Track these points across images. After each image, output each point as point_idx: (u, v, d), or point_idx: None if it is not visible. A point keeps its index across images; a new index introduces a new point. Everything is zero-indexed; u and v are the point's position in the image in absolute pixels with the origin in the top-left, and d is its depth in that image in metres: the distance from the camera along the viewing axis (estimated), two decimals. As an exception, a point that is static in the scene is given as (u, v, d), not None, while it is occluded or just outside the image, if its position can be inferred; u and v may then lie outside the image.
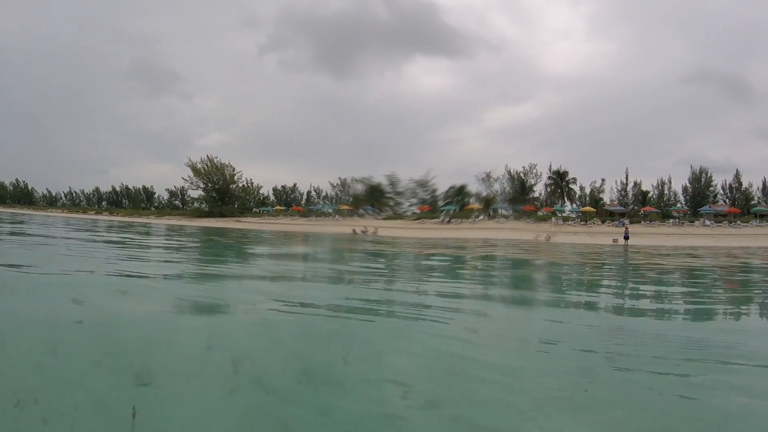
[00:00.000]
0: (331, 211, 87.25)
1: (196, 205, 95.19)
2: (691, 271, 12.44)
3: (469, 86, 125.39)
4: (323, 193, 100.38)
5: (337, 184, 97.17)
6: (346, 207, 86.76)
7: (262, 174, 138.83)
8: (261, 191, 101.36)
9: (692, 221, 68.49)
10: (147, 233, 25.59)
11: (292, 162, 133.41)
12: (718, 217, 69.92)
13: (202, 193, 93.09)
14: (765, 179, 77.98)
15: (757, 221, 67.02)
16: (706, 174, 78.52)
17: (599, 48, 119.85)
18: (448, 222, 65.37)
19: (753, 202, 75.39)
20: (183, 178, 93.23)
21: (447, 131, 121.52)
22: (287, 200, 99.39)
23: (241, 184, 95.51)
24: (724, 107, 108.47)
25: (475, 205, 78.13)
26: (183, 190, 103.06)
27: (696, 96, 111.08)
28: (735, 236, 55.19)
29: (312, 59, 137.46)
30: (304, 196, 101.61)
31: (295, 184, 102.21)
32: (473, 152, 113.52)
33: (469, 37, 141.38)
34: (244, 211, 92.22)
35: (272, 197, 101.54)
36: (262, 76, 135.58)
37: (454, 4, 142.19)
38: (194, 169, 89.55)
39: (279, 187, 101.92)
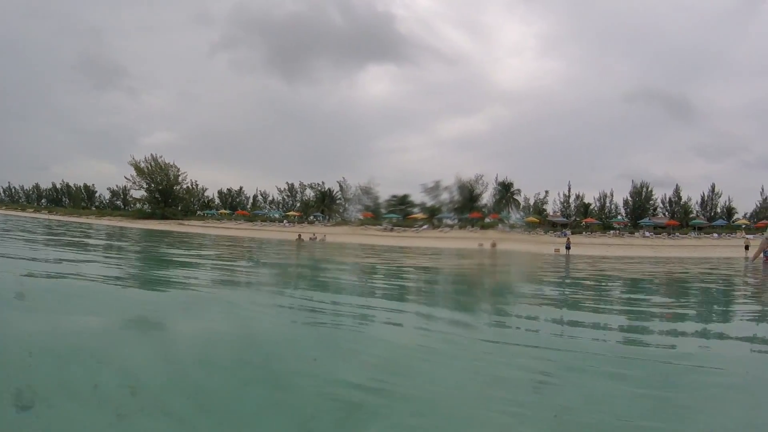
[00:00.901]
0: (277, 216, 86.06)
1: (138, 206, 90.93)
2: (630, 279, 12.62)
3: (420, 96, 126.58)
4: (270, 198, 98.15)
5: (285, 189, 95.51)
6: (294, 213, 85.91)
7: (207, 176, 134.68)
8: (206, 194, 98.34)
9: (632, 233, 70.54)
10: (84, 233, 24.54)
11: (239, 165, 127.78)
12: (658, 229, 72.28)
13: (145, 193, 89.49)
14: (703, 194, 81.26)
15: (696, 233, 69.65)
16: (647, 188, 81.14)
17: (548, 65, 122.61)
18: (391, 230, 65.47)
19: (692, 215, 78.19)
20: (126, 178, 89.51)
21: (396, 140, 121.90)
22: (233, 204, 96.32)
23: (185, 186, 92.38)
24: (665, 125, 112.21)
25: (419, 214, 78.92)
26: (125, 190, 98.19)
27: (639, 113, 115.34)
28: (674, 247, 57.07)
29: (263, 61, 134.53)
30: (250, 201, 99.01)
31: (241, 188, 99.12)
32: (422, 161, 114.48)
33: (423, 47, 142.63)
34: (187, 213, 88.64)
35: (217, 200, 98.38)
36: (212, 75, 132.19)
37: (410, 15, 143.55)
38: (137, 169, 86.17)
39: (224, 190, 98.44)
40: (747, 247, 40.81)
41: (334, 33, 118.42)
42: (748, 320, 5.80)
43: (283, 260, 14.84)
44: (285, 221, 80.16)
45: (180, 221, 77.09)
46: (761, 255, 15.09)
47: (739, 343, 4.40)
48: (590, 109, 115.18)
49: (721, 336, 4.78)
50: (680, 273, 14.39)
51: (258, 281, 8.36)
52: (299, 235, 45.31)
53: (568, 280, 11.69)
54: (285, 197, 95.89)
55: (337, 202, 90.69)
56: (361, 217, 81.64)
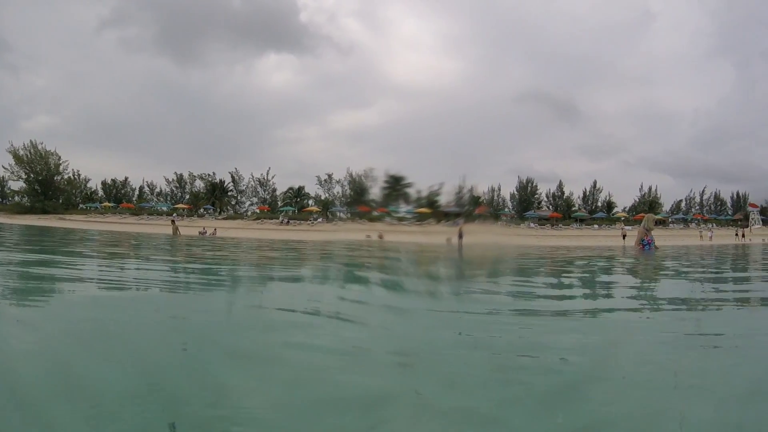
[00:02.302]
0: (165, 209, 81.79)
1: (17, 198, 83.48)
2: (521, 262, 13.36)
3: (317, 87, 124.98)
4: (157, 189, 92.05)
5: (173, 180, 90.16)
6: (182, 205, 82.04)
7: (90, 165, 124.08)
8: (89, 185, 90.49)
9: (518, 224, 73.96)
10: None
11: (125, 153, 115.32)
12: (542, 221, 76.12)
13: (24, 185, 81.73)
14: (585, 189, 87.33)
15: (577, 225, 74.49)
16: (532, 183, 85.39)
17: (444, 63, 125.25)
18: (287, 223, 64.75)
19: (574, 209, 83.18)
20: (3, 167, 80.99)
21: (292, 130, 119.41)
22: (117, 196, 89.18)
23: (66, 176, 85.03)
24: (552, 125, 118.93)
25: (313, 207, 78.76)
26: (3, 181, 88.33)
27: (528, 114, 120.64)
28: (556, 237, 60.63)
29: (154, 40, 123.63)
30: (136, 192, 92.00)
31: (126, 179, 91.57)
32: (315, 153, 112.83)
33: (322, 38, 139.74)
34: (69, 207, 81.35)
35: (101, 192, 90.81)
36: (100, 54, 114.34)
37: (312, 3, 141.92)
38: (16, 157, 78.37)
39: (109, 181, 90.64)
40: (624, 237, 44.77)
41: (232, 15, 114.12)
42: (628, 297, 6.26)
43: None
44: (175, 214, 75.46)
45: (61, 216, 70.93)
46: (640, 243, 16.25)
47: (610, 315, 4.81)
48: (482, 107, 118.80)
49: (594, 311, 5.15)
50: (565, 256, 15.30)
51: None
52: (174, 225, 37.68)
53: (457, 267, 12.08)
54: (173, 189, 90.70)
55: (229, 194, 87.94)
56: (257, 210, 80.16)
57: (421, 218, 72.65)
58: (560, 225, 75.98)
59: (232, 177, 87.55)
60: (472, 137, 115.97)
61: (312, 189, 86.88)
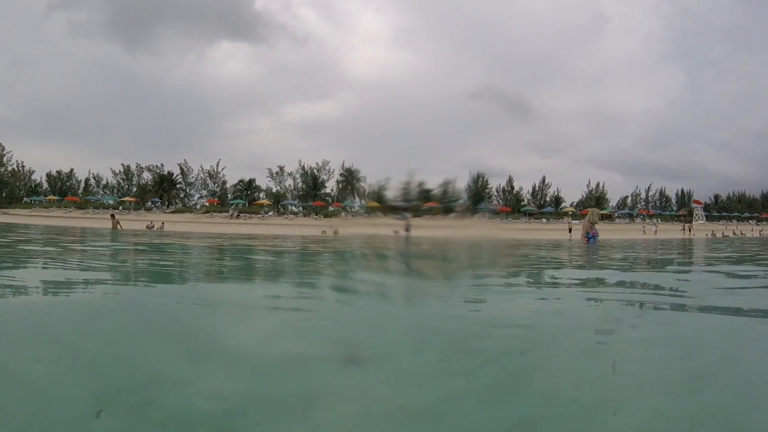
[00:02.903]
0: (111, 202, 78.71)
1: None
2: (462, 251, 13.58)
3: (269, 77, 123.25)
4: (104, 182, 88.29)
5: (120, 172, 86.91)
6: (129, 199, 79.08)
7: (35, 156, 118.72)
8: (33, 177, 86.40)
9: (471, 216, 74.93)
10: None
11: (71, 143, 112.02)
12: (491, 214, 77.26)
13: None
14: (535, 184, 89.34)
15: (526, 218, 76.06)
16: (483, 177, 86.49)
17: (401, 58, 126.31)
18: (237, 216, 63.85)
19: (523, 203, 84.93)
20: None
21: (243, 121, 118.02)
22: (62, 189, 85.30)
23: (10, 168, 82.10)
24: (504, 122, 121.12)
25: (264, 200, 77.48)
26: None
27: (481, 110, 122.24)
28: (506, 230, 61.61)
29: (104, 25, 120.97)
30: (82, 185, 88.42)
31: (72, 170, 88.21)
32: (268, 145, 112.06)
33: (277, 27, 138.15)
34: (12, 200, 78.61)
35: (45, 185, 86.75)
36: (47, 38, 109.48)
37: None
38: None
39: (54, 173, 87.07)
40: (570, 230, 46.22)
41: (184, 1, 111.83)
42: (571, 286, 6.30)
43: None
44: (120, 207, 73.50)
45: (4, 210, 68.32)
46: (585, 237, 16.56)
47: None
48: (437, 102, 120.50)
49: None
50: (515, 249, 15.52)
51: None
52: (114, 219, 36.34)
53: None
54: (120, 181, 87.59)
55: (178, 186, 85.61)
56: (206, 203, 78.61)
57: (371, 212, 72.74)
58: (509, 219, 77.36)
59: (181, 169, 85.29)
60: (426, 132, 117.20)
61: (263, 182, 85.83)
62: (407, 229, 41.38)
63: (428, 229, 53.69)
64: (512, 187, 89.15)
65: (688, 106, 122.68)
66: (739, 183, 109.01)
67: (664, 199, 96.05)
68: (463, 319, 3.85)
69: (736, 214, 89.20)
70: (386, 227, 53.96)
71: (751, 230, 64.59)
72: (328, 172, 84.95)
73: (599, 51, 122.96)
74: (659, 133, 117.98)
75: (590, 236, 16.32)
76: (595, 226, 16.62)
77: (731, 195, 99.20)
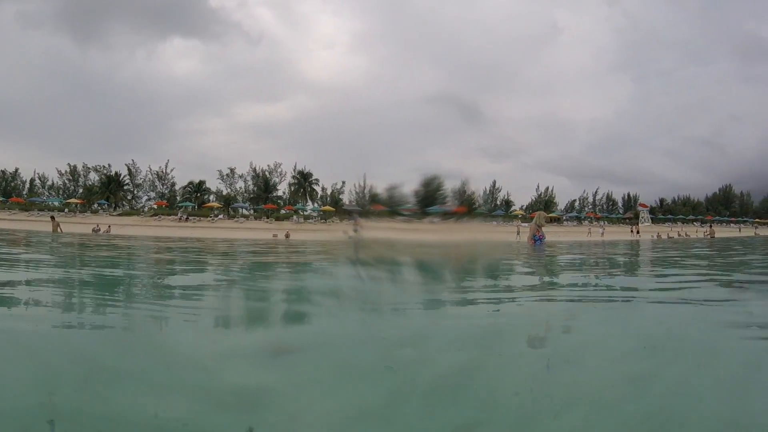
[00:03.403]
0: (57, 204, 75.97)
1: None
2: (414, 253, 13.78)
3: (222, 76, 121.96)
4: (49, 183, 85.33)
5: (66, 172, 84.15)
6: (76, 200, 76.47)
7: None
8: None
9: (420, 219, 75.59)
10: None
11: (16, 141, 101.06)
12: (447, 215, 78.19)
13: None
14: (486, 188, 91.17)
15: (478, 221, 77.71)
16: (438, 179, 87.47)
17: (356, 61, 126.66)
18: (186, 220, 62.83)
19: (475, 206, 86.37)
20: None
21: (194, 121, 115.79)
22: (6, 189, 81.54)
23: None
24: (458, 128, 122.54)
25: (214, 203, 76.13)
26: None
27: (436, 115, 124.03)
28: (458, 231, 62.35)
29: (54, 16, 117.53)
30: (27, 185, 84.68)
31: (17, 170, 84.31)
32: (219, 146, 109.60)
33: (232, 26, 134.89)
34: None
35: None
36: None
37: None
38: None
39: None
40: (518, 233, 47.61)
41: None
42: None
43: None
44: (66, 210, 70.97)
45: None
46: (531, 239, 16.98)
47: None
48: (392, 107, 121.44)
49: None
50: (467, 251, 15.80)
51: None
52: (54, 221, 33.67)
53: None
54: (66, 181, 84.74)
55: (125, 188, 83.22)
56: (155, 206, 76.87)
57: (325, 216, 72.69)
58: (464, 220, 78.52)
59: (129, 170, 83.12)
60: (380, 136, 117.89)
61: (213, 184, 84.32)
62: (356, 230, 41.58)
63: (379, 231, 54.07)
64: (465, 191, 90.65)
65: (636, 115, 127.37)
66: (684, 187, 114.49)
67: (610, 203, 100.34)
68: (403, 321, 3.98)
69: (681, 216, 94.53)
70: (339, 232, 54.12)
71: (696, 231, 67.34)
72: (280, 174, 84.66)
73: (551, 61, 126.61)
74: (607, 140, 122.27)
75: (537, 238, 16.75)
76: (542, 228, 17.03)
77: (676, 199, 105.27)
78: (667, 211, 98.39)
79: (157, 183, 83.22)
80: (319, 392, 2.16)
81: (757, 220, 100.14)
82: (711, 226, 62.07)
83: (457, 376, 2.44)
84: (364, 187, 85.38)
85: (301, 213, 73.96)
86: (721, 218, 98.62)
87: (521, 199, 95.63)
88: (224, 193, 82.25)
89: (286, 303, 4.82)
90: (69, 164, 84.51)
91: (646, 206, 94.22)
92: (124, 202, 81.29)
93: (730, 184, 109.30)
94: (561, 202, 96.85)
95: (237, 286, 6.03)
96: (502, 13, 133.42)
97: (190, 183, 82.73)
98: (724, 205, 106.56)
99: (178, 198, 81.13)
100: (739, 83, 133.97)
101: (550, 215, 75.15)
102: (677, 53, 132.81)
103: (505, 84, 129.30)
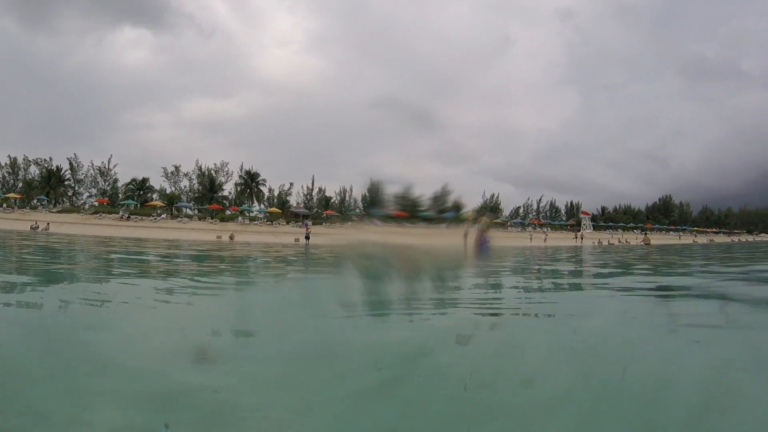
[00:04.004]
0: None
1: None
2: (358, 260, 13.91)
3: (171, 69, 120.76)
4: None
5: (6, 165, 79.93)
6: (14, 195, 72.55)
7: None
8: None
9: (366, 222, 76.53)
10: None
11: None
12: (388, 219, 79.00)
13: None
14: (435, 192, 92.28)
15: (424, 224, 78.54)
16: (382, 185, 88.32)
17: (310, 61, 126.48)
18: (128, 218, 61.43)
19: (421, 209, 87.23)
20: None
21: (139, 114, 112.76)
22: None
23: None
24: (406, 132, 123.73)
25: (157, 201, 73.85)
26: None
27: (385, 120, 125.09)
28: (402, 234, 63.08)
29: None
30: None
31: None
32: (165, 142, 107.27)
33: (182, 14, 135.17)
34: None
35: None
36: None
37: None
38: None
39: None
40: (466, 236, 48.06)
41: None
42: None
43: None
44: (4, 205, 67.13)
45: None
46: (477, 244, 17.22)
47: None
48: (342, 109, 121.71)
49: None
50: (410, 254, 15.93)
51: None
52: None
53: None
54: (5, 175, 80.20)
55: (66, 183, 79.71)
56: (96, 203, 74.24)
57: (272, 218, 72.12)
58: (407, 224, 79.12)
59: (71, 164, 79.76)
60: (330, 138, 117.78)
61: (157, 182, 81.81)
62: (307, 237, 41.61)
63: (328, 237, 54.18)
64: (410, 194, 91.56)
65: (582, 127, 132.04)
66: (626, 197, 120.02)
67: (554, 210, 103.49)
68: (332, 327, 4.19)
69: (621, 224, 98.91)
70: (286, 235, 53.85)
71: (635, 239, 69.97)
72: (227, 174, 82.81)
73: (503, 71, 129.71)
74: (553, 150, 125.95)
75: (481, 244, 17.13)
76: (486, 233, 17.41)
77: (618, 207, 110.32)
78: (608, 219, 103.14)
79: (99, 179, 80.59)
80: (237, 395, 2.35)
81: (695, 228, 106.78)
82: (646, 234, 65.21)
83: (373, 389, 2.52)
84: (312, 189, 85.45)
85: (247, 214, 73.17)
86: (661, 226, 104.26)
87: (470, 204, 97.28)
88: (168, 191, 79.89)
89: (214, 314, 4.98)
90: (9, 156, 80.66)
91: (588, 214, 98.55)
92: (64, 198, 78.49)
93: (670, 195, 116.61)
94: (506, 209, 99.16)
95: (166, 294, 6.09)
96: (458, 23, 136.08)
97: (133, 180, 79.91)
98: (664, 214, 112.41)
99: (120, 195, 78.69)
100: (683, 101, 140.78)
101: (495, 221, 76.71)
102: (625, 69, 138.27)
103: (456, 91, 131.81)
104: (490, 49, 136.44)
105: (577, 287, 8.26)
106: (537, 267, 12.94)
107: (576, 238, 70.20)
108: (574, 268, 12.79)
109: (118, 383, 2.48)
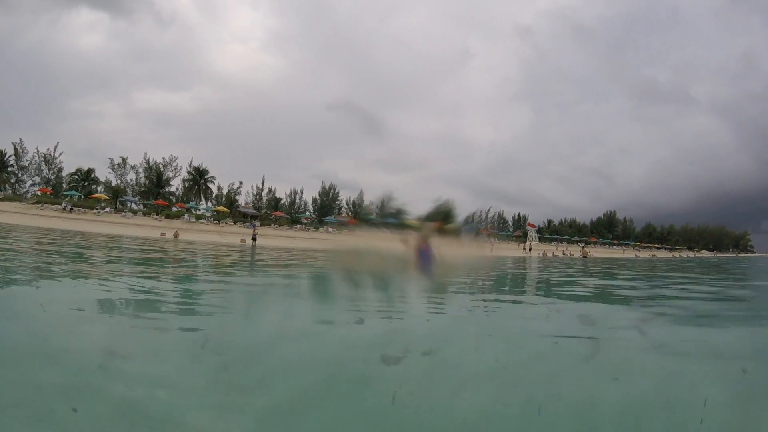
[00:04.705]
0: None
1: None
2: (302, 265, 13.83)
3: (127, 57, 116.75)
4: None
5: None
6: None
7: None
8: None
9: (317, 228, 76.23)
10: None
11: None
12: (341, 226, 79.11)
13: None
14: (382, 198, 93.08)
15: (367, 229, 79.31)
16: (334, 190, 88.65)
17: (268, 60, 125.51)
18: (71, 210, 59.94)
19: (370, 215, 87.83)
20: None
21: (90, 102, 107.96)
22: None
23: None
24: (361, 137, 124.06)
25: (102, 194, 71.49)
26: None
27: (341, 124, 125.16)
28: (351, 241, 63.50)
29: None
30: None
31: None
32: (114, 132, 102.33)
33: (141, 0, 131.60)
34: None
35: None
36: None
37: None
38: None
39: None
40: (406, 242, 49.14)
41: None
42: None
43: None
44: None
45: None
46: (417, 253, 16.37)
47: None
48: (298, 111, 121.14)
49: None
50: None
51: None
52: None
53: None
54: None
55: (8, 170, 76.37)
56: (38, 192, 71.63)
57: (219, 217, 71.34)
58: (357, 231, 79.67)
59: (15, 149, 76.45)
60: (284, 139, 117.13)
61: (103, 173, 78.97)
62: (254, 238, 41.49)
63: (277, 239, 54.02)
64: (362, 201, 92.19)
65: (532, 142, 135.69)
66: (573, 211, 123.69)
67: (502, 221, 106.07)
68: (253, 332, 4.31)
69: (566, 237, 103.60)
70: (233, 235, 53.41)
71: (579, 252, 72.42)
72: (175, 169, 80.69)
73: (460, 83, 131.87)
74: (503, 162, 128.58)
75: (423, 253, 14.90)
76: (429, 242, 15.04)
77: (563, 221, 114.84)
78: (553, 232, 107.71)
79: (43, 167, 78.13)
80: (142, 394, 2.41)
81: (638, 243, 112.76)
82: (584, 247, 68.09)
83: (294, 400, 2.53)
84: (262, 190, 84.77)
85: (194, 212, 72.21)
86: (605, 240, 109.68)
87: (418, 210, 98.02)
88: (114, 184, 77.64)
89: (134, 310, 5.11)
90: (-52, 140, 76.75)
91: (534, 226, 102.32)
92: (6, 186, 75.92)
93: (614, 210, 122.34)
94: (461, 215, 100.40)
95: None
96: (419, 33, 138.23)
97: (78, 170, 77.55)
98: (608, 229, 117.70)
99: (64, 185, 76.20)
100: (631, 121, 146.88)
101: (450, 226, 76.38)
102: (578, 89, 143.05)
103: (412, 100, 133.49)
104: (449, 60, 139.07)
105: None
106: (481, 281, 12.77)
107: (524, 249, 73.57)
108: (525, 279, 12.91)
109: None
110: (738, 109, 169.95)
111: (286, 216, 79.34)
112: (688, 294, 9.88)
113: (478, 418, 2.41)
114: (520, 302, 8.67)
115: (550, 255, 60.71)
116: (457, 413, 2.43)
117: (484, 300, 8.41)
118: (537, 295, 9.89)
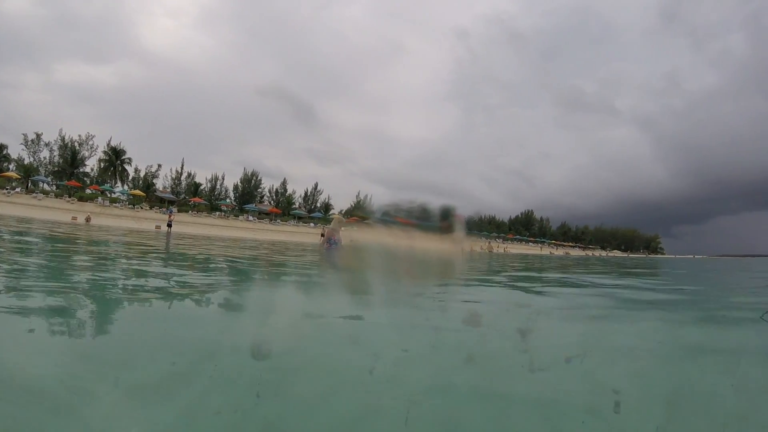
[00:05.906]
0: None
1: None
2: (224, 257, 13.82)
3: (48, 23, 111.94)
4: None
5: None
6: None
7: None
8: None
9: (237, 216, 75.67)
10: None
11: None
12: (262, 215, 78.80)
13: None
14: (307, 189, 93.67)
15: (295, 221, 78.98)
16: (257, 177, 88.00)
17: (198, 38, 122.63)
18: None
19: (294, 206, 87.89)
20: None
21: (5, 71, 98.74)
22: None
23: None
24: (288, 126, 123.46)
25: (13, 173, 67.55)
26: None
27: (266, 109, 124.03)
28: (273, 231, 63.74)
29: None
30: None
31: None
32: (30, 105, 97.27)
33: None
34: None
35: None
36: None
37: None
38: None
39: None
40: (323, 235, 50.36)
41: None
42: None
43: None
44: None
45: None
46: (326, 242, 18.05)
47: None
48: (224, 92, 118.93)
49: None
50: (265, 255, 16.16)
51: None
52: None
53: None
54: None
55: None
56: None
57: (134, 201, 69.51)
58: (279, 220, 79.53)
59: None
60: (208, 122, 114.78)
61: (15, 150, 74.07)
62: (169, 224, 41.04)
63: (194, 227, 53.50)
64: (285, 190, 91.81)
65: (459, 141, 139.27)
66: (492, 208, 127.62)
67: (423, 211, 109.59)
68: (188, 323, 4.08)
69: (485, 233, 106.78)
70: (148, 221, 52.52)
71: (497, 246, 75.23)
72: (91, 148, 76.80)
73: (391, 78, 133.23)
74: (429, 159, 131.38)
75: (332, 242, 17.21)
76: (338, 233, 17.22)
77: (483, 217, 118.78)
78: (473, 227, 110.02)
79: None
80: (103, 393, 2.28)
81: (553, 241, 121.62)
82: (489, 243, 70.87)
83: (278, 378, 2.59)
84: (181, 174, 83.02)
85: (108, 195, 69.27)
86: (522, 237, 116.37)
87: (341, 203, 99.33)
88: (26, 162, 73.14)
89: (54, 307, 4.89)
90: None
91: (462, 217, 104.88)
92: None
93: (532, 210, 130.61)
94: (377, 210, 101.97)
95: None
96: (354, 25, 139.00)
97: (-12, 147, 73.42)
98: (525, 226, 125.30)
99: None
100: (554, 127, 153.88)
101: (364, 219, 77.73)
102: (507, 93, 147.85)
103: (343, 91, 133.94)
104: (381, 54, 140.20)
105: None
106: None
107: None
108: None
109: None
110: (658, 124, 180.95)
111: (205, 202, 77.99)
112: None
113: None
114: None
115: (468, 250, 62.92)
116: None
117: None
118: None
